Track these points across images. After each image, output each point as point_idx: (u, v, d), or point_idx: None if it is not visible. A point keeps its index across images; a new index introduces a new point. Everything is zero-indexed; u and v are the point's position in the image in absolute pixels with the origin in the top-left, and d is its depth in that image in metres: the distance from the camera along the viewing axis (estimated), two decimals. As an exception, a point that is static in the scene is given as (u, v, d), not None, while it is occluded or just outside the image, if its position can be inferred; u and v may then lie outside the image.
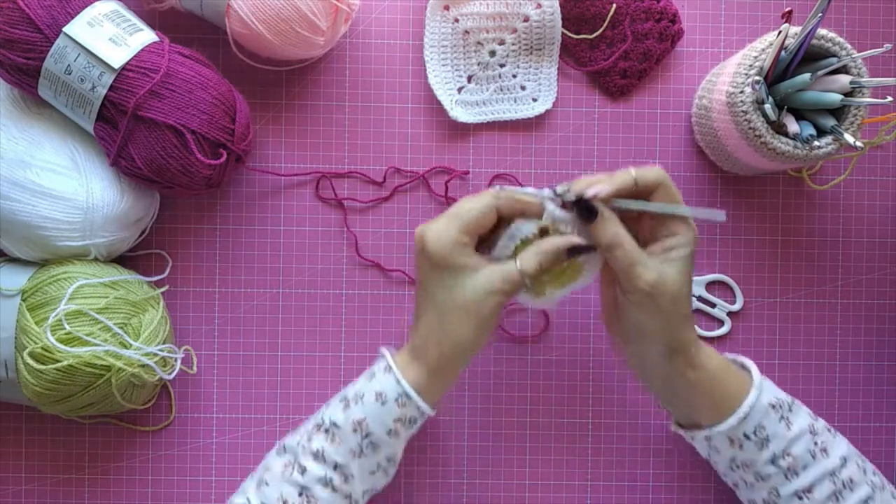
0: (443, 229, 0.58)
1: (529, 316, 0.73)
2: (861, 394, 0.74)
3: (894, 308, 0.74)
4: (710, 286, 0.74)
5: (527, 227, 0.58)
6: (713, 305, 0.73)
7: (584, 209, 0.56)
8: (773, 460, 0.59)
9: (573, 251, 0.57)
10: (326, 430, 0.59)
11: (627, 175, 0.57)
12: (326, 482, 0.58)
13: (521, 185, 0.72)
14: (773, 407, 0.59)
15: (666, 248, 0.58)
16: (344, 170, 0.73)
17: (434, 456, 0.73)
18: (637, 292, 0.57)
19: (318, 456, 0.59)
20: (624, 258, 0.56)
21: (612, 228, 0.56)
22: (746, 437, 0.59)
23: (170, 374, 0.67)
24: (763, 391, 0.59)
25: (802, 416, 0.60)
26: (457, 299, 0.57)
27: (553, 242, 0.57)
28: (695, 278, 0.73)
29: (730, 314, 0.74)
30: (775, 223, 0.74)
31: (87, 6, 0.64)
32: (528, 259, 0.57)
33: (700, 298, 0.73)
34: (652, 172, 0.58)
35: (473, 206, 0.58)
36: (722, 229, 0.74)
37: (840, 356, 0.74)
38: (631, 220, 0.59)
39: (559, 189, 0.57)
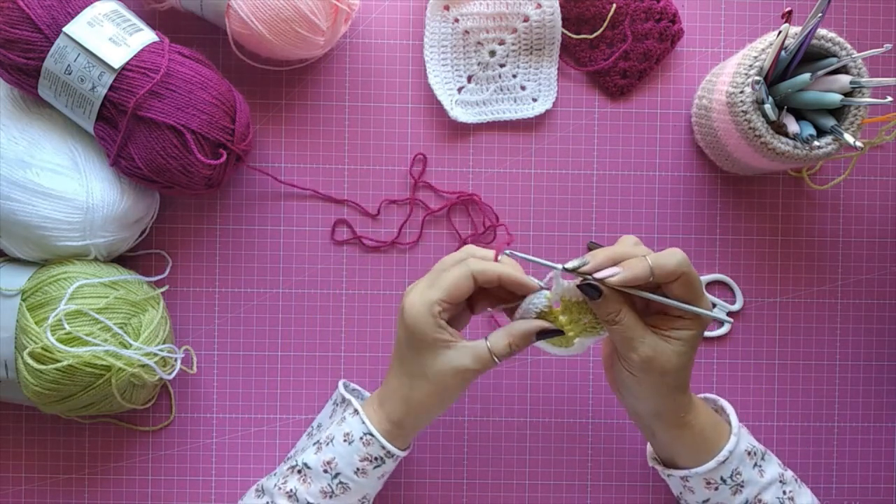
0: (419, 300, 0.58)
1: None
2: (861, 394, 0.74)
3: (894, 308, 0.74)
4: (710, 286, 0.74)
5: (538, 301, 0.58)
6: (713, 305, 0.73)
7: (589, 287, 0.56)
8: None
9: (542, 334, 0.58)
10: (300, 472, 0.61)
11: (643, 266, 0.55)
12: None
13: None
14: (749, 454, 0.61)
15: (672, 327, 0.58)
16: (343, 191, 0.73)
17: (434, 456, 0.73)
18: (630, 362, 0.58)
19: (292, 496, 0.61)
20: (621, 333, 0.57)
21: (612, 307, 0.56)
22: (723, 480, 0.60)
23: (170, 374, 0.67)
24: (741, 438, 0.61)
25: (773, 466, 0.63)
26: (426, 371, 0.58)
27: (522, 327, 0.58)
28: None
29: (730, 314, 0.74)
30: (775, 223, 0.74)
31: (87, 6, 0.64)
32: (499, 340, 0.58)
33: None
34: (672, 261, 0.56)
35: (450, 276, 0.58)
36: (722, 229, 0.74)
37: (840, 356, 0.74)
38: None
39: (570, 265, 0.57)
